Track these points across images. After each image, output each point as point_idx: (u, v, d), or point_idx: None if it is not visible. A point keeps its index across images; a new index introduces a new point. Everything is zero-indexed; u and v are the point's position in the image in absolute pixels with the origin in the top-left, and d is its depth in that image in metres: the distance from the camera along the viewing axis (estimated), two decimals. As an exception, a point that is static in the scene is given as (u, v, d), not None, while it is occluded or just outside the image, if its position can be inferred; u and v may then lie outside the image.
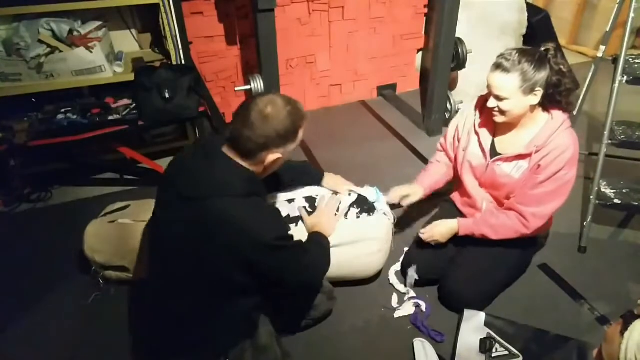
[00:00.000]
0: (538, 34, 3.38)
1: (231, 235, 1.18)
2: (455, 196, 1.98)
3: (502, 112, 1.59)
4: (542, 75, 1.51)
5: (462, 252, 1.83)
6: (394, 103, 3.41)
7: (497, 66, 1.55)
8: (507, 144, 1.69)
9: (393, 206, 1.88)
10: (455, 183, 2.00)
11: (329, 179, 1.83)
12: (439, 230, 1.79)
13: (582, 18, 4.23)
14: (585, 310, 1.82)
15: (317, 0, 2.92)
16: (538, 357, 1.62)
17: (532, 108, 1.59)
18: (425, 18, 3.32)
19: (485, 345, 1.61)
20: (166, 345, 1.38)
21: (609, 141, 2.06)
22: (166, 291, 1.33)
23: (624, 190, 2.09)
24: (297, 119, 1.30)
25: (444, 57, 2.76)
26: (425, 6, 3.26)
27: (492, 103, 1.59)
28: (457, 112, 3.07)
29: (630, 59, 2.09)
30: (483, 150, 1.74)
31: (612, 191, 2.08)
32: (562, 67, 1.53)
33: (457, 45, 2.79)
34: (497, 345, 1.62)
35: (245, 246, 1.20)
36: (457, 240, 1.84)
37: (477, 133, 1.75)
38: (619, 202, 2.04)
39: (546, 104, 1.60)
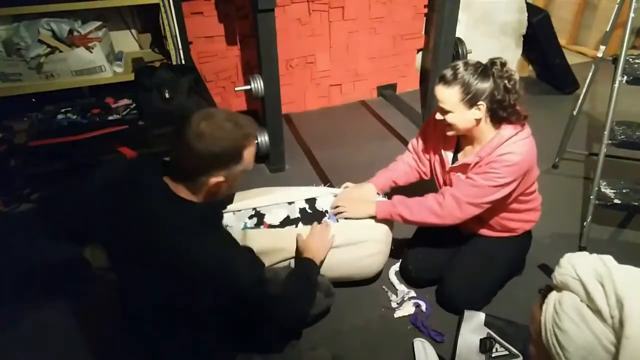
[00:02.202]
0: (538, 34, 3.38)
1: (196, 279, 1.10)
2: None
3: (449, 126, 1.59)
4: (484, 88, 1.50)
5: (457, 253, 1.84)
6: (394, 103, 3.41)
7: (440, 78, 1.55)
8: (466, 155, 1.70)
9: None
10: None
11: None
12: (354, 209, 1.74)
13: (582, 18, 4.23)
14: (585, 310, 1.82)
15: (317, 0, 2.92)
16: (538, 357, 1.62)
17: (478, 121, 1.56)
18: (425, 18, 3.32)
19: (485, 345, 1.61)
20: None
21: (609, 141, 2.06)
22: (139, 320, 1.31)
23: (624, 190, 2.09)
24: (239, 138, 1.13)
25: (444, 57, 2.76)
26: (425, 6, 3.26)
27: (438, 116, 1.60)
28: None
29: (630, 59, 2.09)
30: (442, 162, 1.76)
31: (612, 191, 2.08)
32: (506, 82, 1.50)
33: (457, 45, 2.79)
34: (497, 345, 1.62)
35: (212, 289, 1.12)
36: (452, 240, 1.85)
37: (440, 145, 1.76)
38: (619, 202, 2.04)
39: (493, 119, 1.57)
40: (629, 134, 2.09)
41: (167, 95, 2.34)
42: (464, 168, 1.65)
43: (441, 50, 2.72)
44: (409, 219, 1.70)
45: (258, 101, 2.64)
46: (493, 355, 1.59)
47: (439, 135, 1.75)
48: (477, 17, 3.13)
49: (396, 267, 1.99)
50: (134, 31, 2.71)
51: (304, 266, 1.51)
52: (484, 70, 1.51)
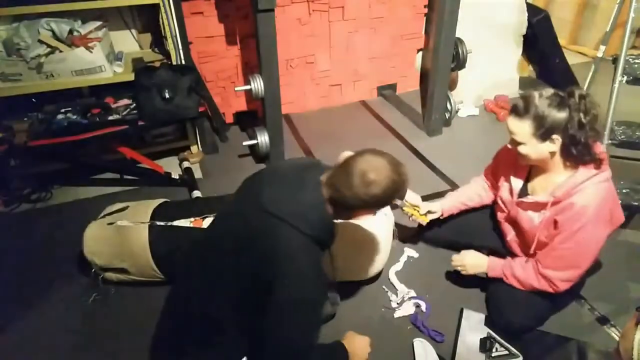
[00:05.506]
0: (538, 34, 3.39)
1: (273, 263, 1.17)
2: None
3: (521, 156, 1.53)
4: (559, 121, 1.41)
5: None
6: (394, 103, 3.41)
7: (512, 109, 1.49)
8: (536, 186, 1.63)
9: (393, 207, 1.88)
10: None
11: (411, 195, 1.85)
12: (469, 261, 1.73)
13: (582, 18, 4.23)
14: (585, 310, 1.82)
15: (317, 0, 2.92)
16: (538, 357, 1.62)
17: (553, 154, 1.49)
18: (425, 18, 3.32)
19: (485, 345, 1.61)
20: (173, 346, 1.38)
21: (609, 141, 2.06)
22: (187, 287, 1.34)
23: (624, 190, 2.09)
24: (399, 188, 1.23)
25: (444, 57, 2.76)
26: (425, 6, 3.26)
27: (510, 146, 1.56)
28: (457, 112, 3.08)
29: (630, 59, 2.10)
30: (511, 189, 1.69)
31: (612, 191, 2.08)
32: (582, 116, 1.41)
33: (457, 45, 2.79)
34: (497, 345, 1.62)
35: (275, 281, 1.17)
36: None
37: (510, 170, 1.70)
38: (619, 202, 2.04)
39: (566, 155, 1.48)
40: (629, 134, 2.09)
41: (167, 95, 2.34)
42: (537, 207, 1.58)
43: (441, 50, 2.72)
44: (518, 287, 1.65)
45: (258, 101, 2.64)
46: (493, 355, 1.59)
47: (511, 161, 1.68)
48: (478, 17, 3.13)
49: (396, 267, 1.99)
50: (134, 31, 2.71)
51: (338, 350, 1.43)
52: (560, 102, 1.42)
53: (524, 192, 1.66)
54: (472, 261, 1.73)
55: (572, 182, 1.48)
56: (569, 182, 1.49)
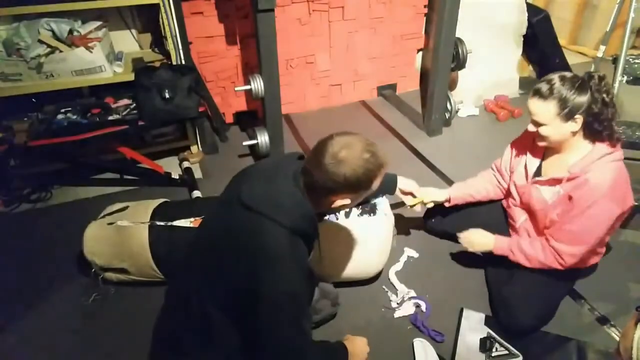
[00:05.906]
0: (538, 34, 3.38)
1: (259, 262, 1.15)
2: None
3: (541, 137, 1.58)
4: (582, 101, 1.48)
5: (515, 275, 1.74)
6: (394, 103, 3.41)
7: (535, 92, 1.54)
8: (551, 167, 1.67)
9: (394, 206, 1.88)
10: None
11: (403, 182, 1.81)
12: (476, 239, 1.77)
13: (582, 18, 4.23)
14: (585, 310, 1.82)
15: (317, 0, 2.92)
16: (538, 357, 1.62)
17: (574, 134, 1.55)
18: (425, 18, 3.32)
19: (485, 345, 1.61)
20: (167, 347, 1.39)
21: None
22: (187, 287, 1.34)
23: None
24: (373, 168, 1.19)
25: (444, 57, 2.76)
26: (425, 6, 3.26)
27: (531, 128, 1.59)
28: (457, 112, 3.08)
29: (630, 59, 2.10)
30: (526, 172, 1.73)
31: (612, 191, 2.07)
32: (604, 96, 1.48)
33: (457, 45, 2.79)
34: (497, 345, 1.62)
35: (255, 276, 1.14)
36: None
37: (525, 154, 1.75)
38: (630, 185, 2.03)
39: (587, 133, 1.55)
40: (629, 134, 2.09)
41: (167, 95, 2.34)
42: (552, 182, 1.62)
43: (441, 50, 2.72)
44: (525, 265, 1.68)
45: (258, 101, 2.64)
46: (493, 355, 1.59)
47: (526, 147, 1.73)
48: (478, 17, 3.13)
49: (396, 267, 1.99)
50: (134, 31, 2.71)
51: (339, 350, 1.44)
52: (581, 84, 1.49)
53: (537, 174, 1.71)
54: (479, 238, 1.77)
55: (588, 159, 1.54)
56: (585, 159, 1.55)
